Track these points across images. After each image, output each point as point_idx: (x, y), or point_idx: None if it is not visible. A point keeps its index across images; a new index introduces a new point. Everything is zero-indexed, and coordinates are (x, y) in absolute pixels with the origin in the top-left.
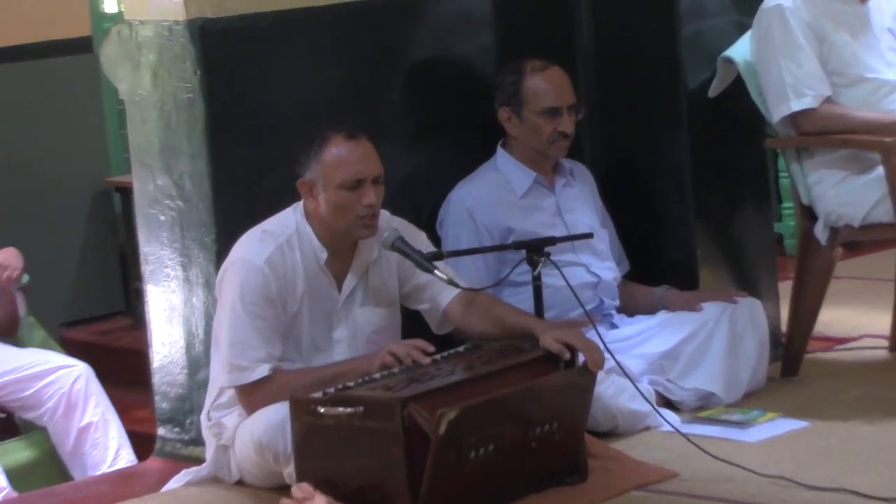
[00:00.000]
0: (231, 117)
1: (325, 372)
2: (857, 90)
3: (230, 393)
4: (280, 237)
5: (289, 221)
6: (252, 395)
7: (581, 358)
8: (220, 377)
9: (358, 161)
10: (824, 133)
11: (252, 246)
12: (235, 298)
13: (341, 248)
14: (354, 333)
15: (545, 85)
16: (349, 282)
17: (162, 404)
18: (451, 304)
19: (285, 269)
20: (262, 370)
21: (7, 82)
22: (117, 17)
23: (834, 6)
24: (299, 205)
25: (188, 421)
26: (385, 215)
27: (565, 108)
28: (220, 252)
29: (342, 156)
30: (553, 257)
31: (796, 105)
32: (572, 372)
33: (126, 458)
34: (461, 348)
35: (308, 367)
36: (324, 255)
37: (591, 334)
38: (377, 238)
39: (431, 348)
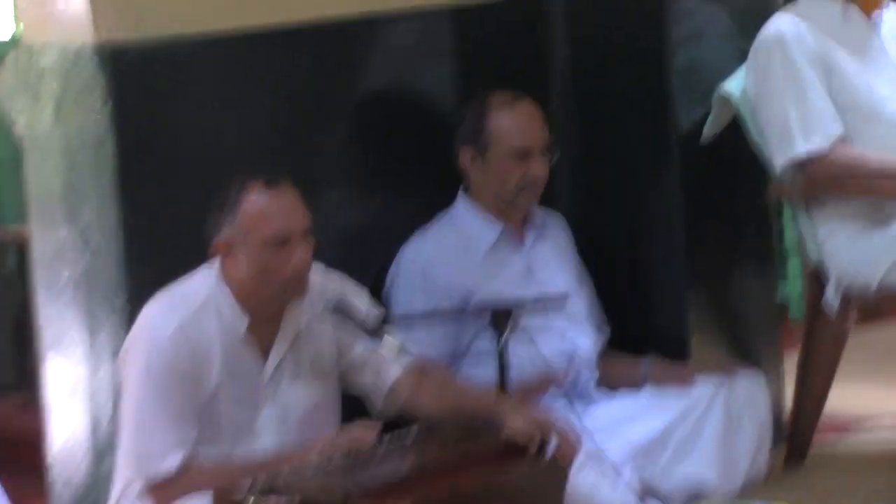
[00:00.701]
0: (147, 158)
1: (251, 467)
2: (875, 128)
3: (140, 484)
4: (193, 303)
5: (203, 284)
6: (163, 489)
7: (553, 445)
8: (125, 467)
9: (283, 214)
10: (838, 180)
11: (159, 314)
12: (141, 375)
13: (265, 314)
14: (284, 414)
15: (514, 122)
16: (276, 354)
17: (61, 497)
18: (400, 378)
19: (199, 341)
20: (175, 459)
21: None
22: (14, 41)
23: (841, 31)
24: (215, 264)
25: None
26: (317, 271)
27: (537, 149)
28: (133, 315)
29: (264, 209)
30: (522, 323)
31: (804, 148)
32: (541, 465)
33: None
34: (412, 431)
35: (229, 463)
36: (244, 323)
37: (565, 410)
38: (308, 300)
39: (377, 429)
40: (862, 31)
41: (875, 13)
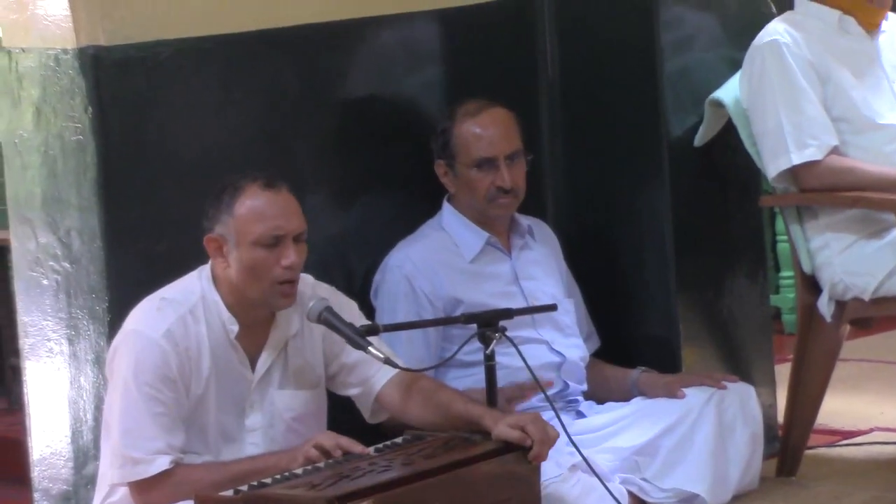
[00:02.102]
0: (128, 163)
1: (238, 468)
2: (868, 139)
3: (123, 490)
4: (182, 307)
5: (193, 288)
6: (149, 494)
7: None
8: (110, 472)
9: (277, 215)
10: (830, 190)
11: (148, 317)
12: (128, 378)
13: (255, 319)
14: (271, 420)
15: (476, 131)
16: (264, 360)
17: (42, 502)
18: (387, 387)
19: (188, 345)
20: (162, 463)
21: None
22: None
23: (838, 41)
24: (206, 268)
25: None
26: (308, 281)
27: (501, 158)
28: (114, 323)
29: (258, 208)
30: (509, 333)
31: (797, 157)
32: (509, 458)
33: None
34: (399, 440)
35: (217, 462)
36: (234, 328)
37: (554, 423)
38: (298, 308)
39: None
40: (858, 43)
41: (873, 30)
